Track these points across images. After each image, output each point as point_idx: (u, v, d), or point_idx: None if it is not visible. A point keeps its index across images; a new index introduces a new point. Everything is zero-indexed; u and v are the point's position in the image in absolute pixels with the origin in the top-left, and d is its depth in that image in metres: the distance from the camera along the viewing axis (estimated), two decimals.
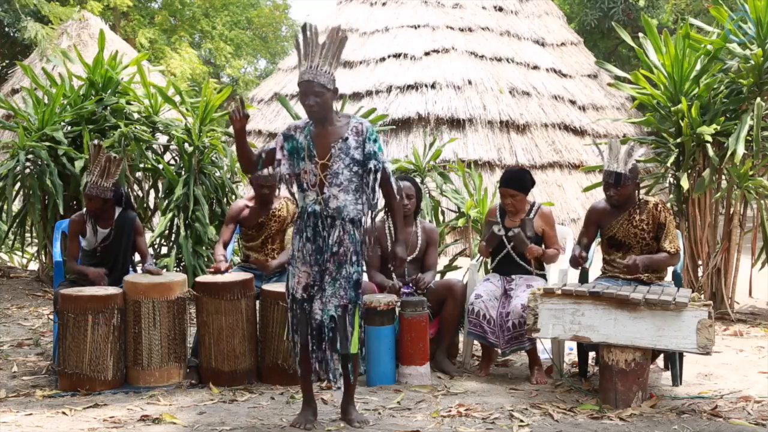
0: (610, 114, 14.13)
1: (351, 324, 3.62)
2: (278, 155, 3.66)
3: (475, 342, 5.01)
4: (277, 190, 5.05)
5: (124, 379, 4.51)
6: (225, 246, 4.98)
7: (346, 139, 3.60)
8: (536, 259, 4.88)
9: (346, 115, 3.72)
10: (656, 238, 4.61)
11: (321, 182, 3.58)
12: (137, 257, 5.16)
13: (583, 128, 13.67)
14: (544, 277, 4.96)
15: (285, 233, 5.04)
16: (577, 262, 4.66)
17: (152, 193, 7.47)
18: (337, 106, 3.75)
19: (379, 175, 3.61)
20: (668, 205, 6.49)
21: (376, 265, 4.99)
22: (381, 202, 5.31)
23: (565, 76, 14.50)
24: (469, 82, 12.96)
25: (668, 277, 4.80)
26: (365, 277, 4.15)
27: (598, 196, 4.74)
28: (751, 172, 6.28)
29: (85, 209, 4.87)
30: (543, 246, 4.89)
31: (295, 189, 3.68)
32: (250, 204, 5.06)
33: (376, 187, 3.63)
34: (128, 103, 7.16)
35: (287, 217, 5.03)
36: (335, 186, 3.57)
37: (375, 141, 3.63)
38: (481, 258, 5.27)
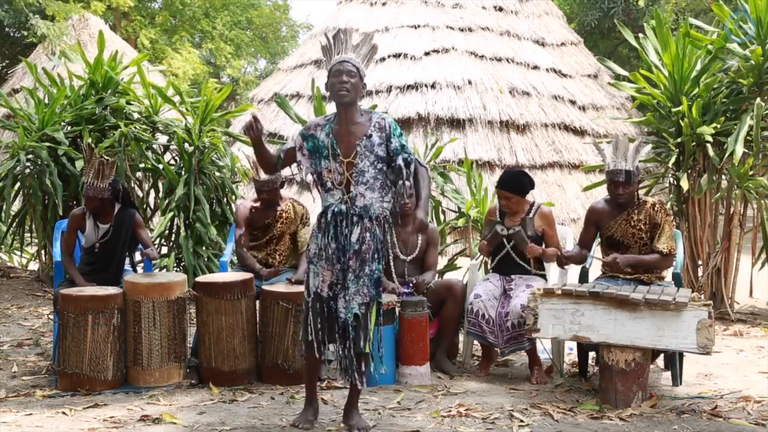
0: (610, 114, 14.12)
1: (370, 322, 3.59)
2: (299, 157, 3.62)
3: (475, 342, 5.01)
4: (279, 192, 5.05)
5: (124, 379, 4.51)
6: (246, 248, 5.01)
7: (370, 136, 3.55)
8: (536, 258, 4.88)
9: (367, 110, 3.66)
10: (653, 238, 4.61)
11: (347, 181, 3.54)
12: (138, 257, 5.17)
13: (583, 128, 13.66)
14: (543, 277, 4.96)
15: (297, 235, 5.05)
16: (560, 261, 4.62)
17: (152, 193, 7.47)
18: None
19: (412, 168, 3.55)
20: (668, 205, 6.50)
21: None
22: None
23: (565, 76, 14.49)
24: (469, 82, 12.95)
25: (668, 277, 4.80)
26: None
27: (598, 196, 4.74)
28: (751, 172, 6.28)
29: (84, 206, 4.89)
30: (543, 245, 4.89)
31: (317, 188, 3.65)
32: (256, 205, 5.07)
33: (411, 179, 3.55)
34: (128, 103, 7.16)
35: (294, 218, 5.04)
36: (362, 184, 3.54)
37: (400, 135, 3.58)
38: (481, 258, 5.27)
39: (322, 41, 3.69)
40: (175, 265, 6.68)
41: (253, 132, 3.61)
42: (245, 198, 5.45)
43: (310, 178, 3.68)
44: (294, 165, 3.71)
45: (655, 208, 4.61)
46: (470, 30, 14.27)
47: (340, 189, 3.55)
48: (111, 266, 4.84)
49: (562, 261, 4.64)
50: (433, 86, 12.81)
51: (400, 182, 3.53)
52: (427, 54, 13.46)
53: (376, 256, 3.58)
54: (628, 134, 12.99)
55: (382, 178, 3.57)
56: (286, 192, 7.06)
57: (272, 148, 3.91)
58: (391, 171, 3.57)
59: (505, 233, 4.84)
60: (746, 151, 6.17)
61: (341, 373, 3.62)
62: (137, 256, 5.20)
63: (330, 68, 3.59)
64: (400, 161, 3.53)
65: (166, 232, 6.89)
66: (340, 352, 3.58)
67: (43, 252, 7.29)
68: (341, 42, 3.61)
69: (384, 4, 14.81)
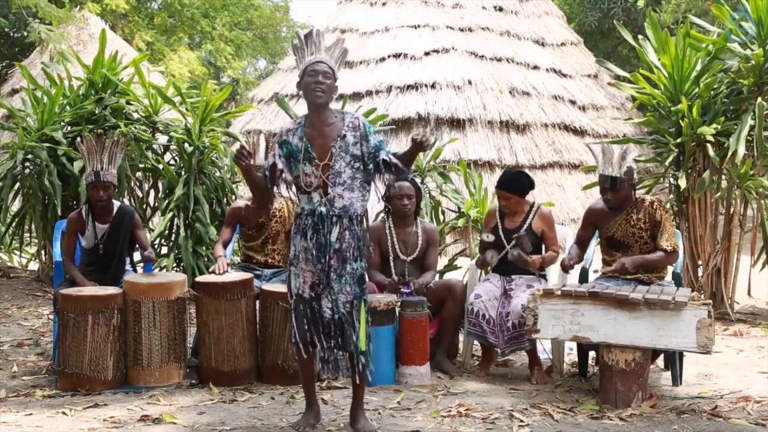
0: (610, 114, 14.13)
1: (357, 320, 3.59)
2: (279, 165, 3.61)
3: (475, 342, 5.01)
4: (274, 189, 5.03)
5: (124, 379, 4.51)
6: (225, 246, 4.98)
7: (344, 136, 3.56)
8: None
9: (339, 111, 3.69)
10: (654, 237, 4.61)
11: (324, 183, 3.54)
12: (137, 257, 5.15)
13: (583, 128, 13.67)
14: (544, 277, 4.96)
15: (289, 233, 5.03)
16: (565, 268, 4.64)
17: (152, 193, 7.47)
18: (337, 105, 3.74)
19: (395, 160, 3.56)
20: (668, 204, 6.50)
21: (376, 264, 4.99)
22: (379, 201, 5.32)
23: (565, 76, 14.50)
24: (469, 82, 12.96)
25: (668, 277, 4.80)
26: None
27: (598, 196, 4.75)
28: (751, 172, 6.28)
29: (85, 206, 4.85)
30: (543, 246, 4.90)
31: (294, 191, 3.67)
32: (251, 204, 5.05)
33: (405, 166, 3.58)
34: (128, 103, 7.16)
35: (288, 217, 5.03)
36: (339, 185, 3.54)
37: (375, 132, 3.65)
38: None
39: (294, 42, 3.69)
40: (174, 265, 6.68)
41: (242, 161, 3.60)
42: (244, 197, 5.44)
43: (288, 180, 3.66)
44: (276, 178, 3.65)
45: (654, 206, 4.61)
46: (470, 30, 14.29)
47: (318, 192, 3.55)
48: (111, 266, 4.82)
49: (567, 267, 4.64)
50: (433, 86, 12.82)
51: (390, 174, 3.58)
52: (427, 54, 13.47)
53: (356, 254, 3.58)
54: (628, 134, 13.01)
55: (361, 177, 3.58)
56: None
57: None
58: (372, 169, 3.59)
59: (494, 263, 4.84)
60: (746, 151, 6.17)
61: (332, 372, 3.64)
62: (136, 256, 5.19)
63: (305, 68, 3.59)
64: (383, 156, 3.54)
65: (166, 232, 6.89)
66: (327, 352, 3.61)
67: (42, 252, 7.29)
68: (314, 43, 3.62)
69: (384, 4, 14.82)
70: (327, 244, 3.54)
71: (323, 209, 3.54)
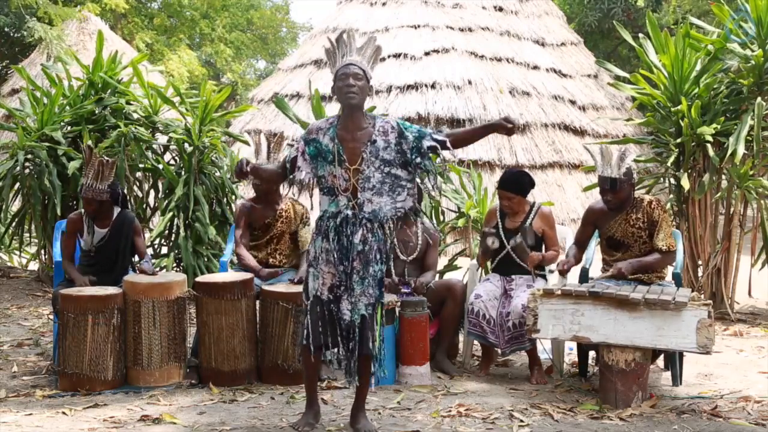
0: (610, 114, 14.12)
1: (376, 322, 3.58)
2: (299, 162, 3.60)
3: (475, 342, 5.01)
4: (279, 191, 5.04)
5: (124, 379, 4.51)
6: (246, 248, 4.98)
7: (375, 141, 3.54)
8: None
9: (371, 115, 3.65)
10: (652, 236, 4.61)
11: (353, 187, 3.52)
12: (137, 258, 5.15)
13: (583, 128, 13.66)
14: (544, 277, 4.96)
15: (297, 234, 5.04)
16: (562, 272, 4.66)
17: (152, 193, 7.47)
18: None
19: (442, 136, 3.56)
20: (668, 204, 6.50)
21: None
22: None
23: (565, 76, 14.49)
24: (469, 82, 12.95)
25: (668, 277, 4.80)
26: None
27: (598, 196, 4.76)
28: (751, 172, 6.28)
29: (83, 209, 4.87)
30: (543, 246, 4.90)
31: (315, 193, 3.64)
32: (256, 204, 5.06)
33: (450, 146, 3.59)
34: (128, 103, 7.16)
35: (294, 218, 5.03)
36: (368, 190, 3.51)
37: (410, 126, 3.59)
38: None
39: (325, 45, 3.67)
40: (174, 265, 6.68)
41: (242, 176, 3.69)
42: (244, 198, 5.43)
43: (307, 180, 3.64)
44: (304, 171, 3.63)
45: (652, 206, 4.61)
46: (470, 30, 14.27)
47: (346, 195, 3.53)
48: (114, 269, 4.82)
49: (564, 272, 4.66)
50: (433, 86, 12.81)
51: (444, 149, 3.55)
52: (427, 54, 13.46)
53: (378, 257, 3.56)
54: (628, 134, 13.00)
55: (390, 181, 3.54)
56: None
57: (271, 163, 3.94)
58: (420, 160, 3.53)
59: (496, 246, 4.84)
60: (746, 151, 6.17)
61: (346, 376, 3.62)
62: (135, 257, 5.19)
63: (336, 72, 3.56)
64: (427, 144, 3.52)
65: (166, 232, 6.89)
66: (343, 355, 3.57)
67: (42, 252, 7.29)
68: (345, 45, 3.59)
69: (384, 4, 14.80)
70: (350, 247, 3.51)
71: (349, 212, 3.52)
